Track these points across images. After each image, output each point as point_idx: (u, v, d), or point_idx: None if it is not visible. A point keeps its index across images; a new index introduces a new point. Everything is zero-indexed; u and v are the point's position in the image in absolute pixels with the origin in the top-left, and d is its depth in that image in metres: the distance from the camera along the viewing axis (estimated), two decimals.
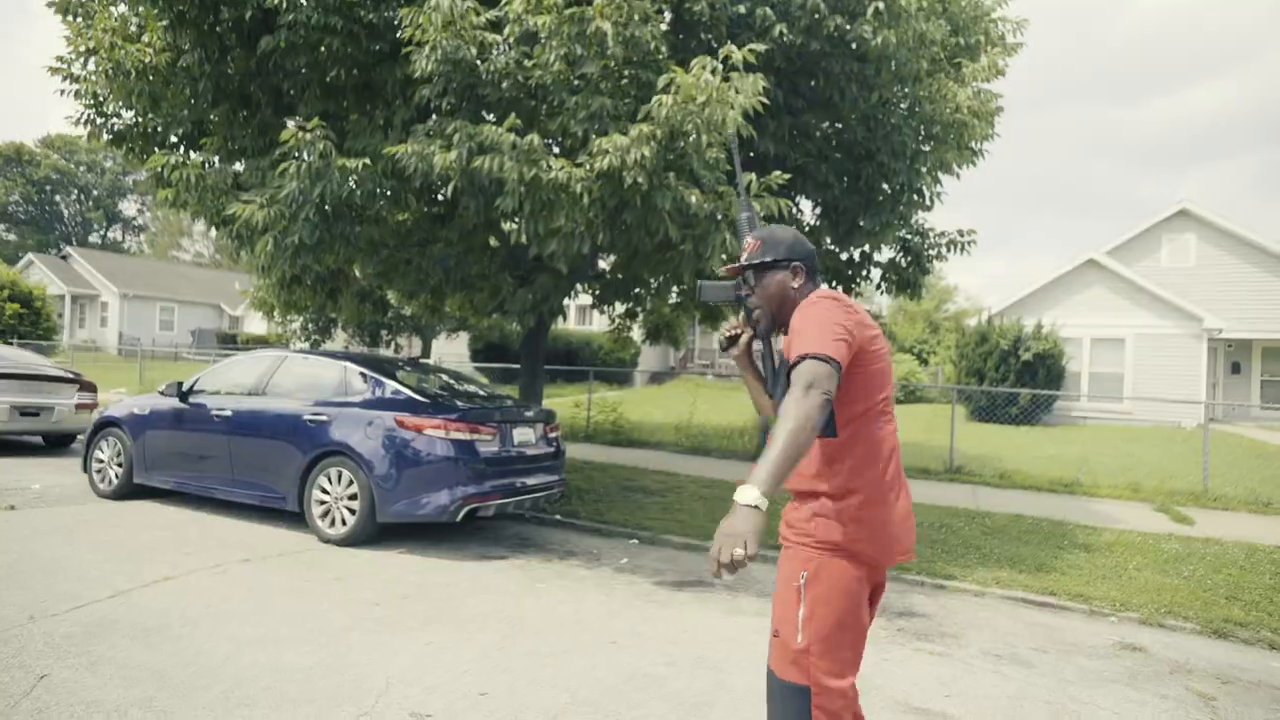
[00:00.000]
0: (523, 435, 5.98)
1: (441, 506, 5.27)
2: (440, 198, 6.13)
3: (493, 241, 7.62)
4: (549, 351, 8.80)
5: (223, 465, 6.06)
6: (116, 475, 6.60)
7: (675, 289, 7.86)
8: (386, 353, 21.14)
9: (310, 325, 19.77)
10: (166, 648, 3.33)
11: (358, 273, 7.79)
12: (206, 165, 5.82)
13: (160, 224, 57.70)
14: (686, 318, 9.75)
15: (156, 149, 6.16)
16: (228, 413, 6.09)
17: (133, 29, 5.84)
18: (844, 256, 7.52)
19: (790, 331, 1.88)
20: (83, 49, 5.71)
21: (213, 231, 6.13)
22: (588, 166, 4.50)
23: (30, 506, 6.07)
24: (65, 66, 6.14)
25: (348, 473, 5.46)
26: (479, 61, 4.78)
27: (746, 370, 2.16)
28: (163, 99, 5.77)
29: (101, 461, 6.74)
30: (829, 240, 7.24)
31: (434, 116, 4.97)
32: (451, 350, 24.27)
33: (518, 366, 8.64)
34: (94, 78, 5.94)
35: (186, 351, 28.56)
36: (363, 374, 5.92)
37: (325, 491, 5.53)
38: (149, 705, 2.79)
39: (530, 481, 5.89)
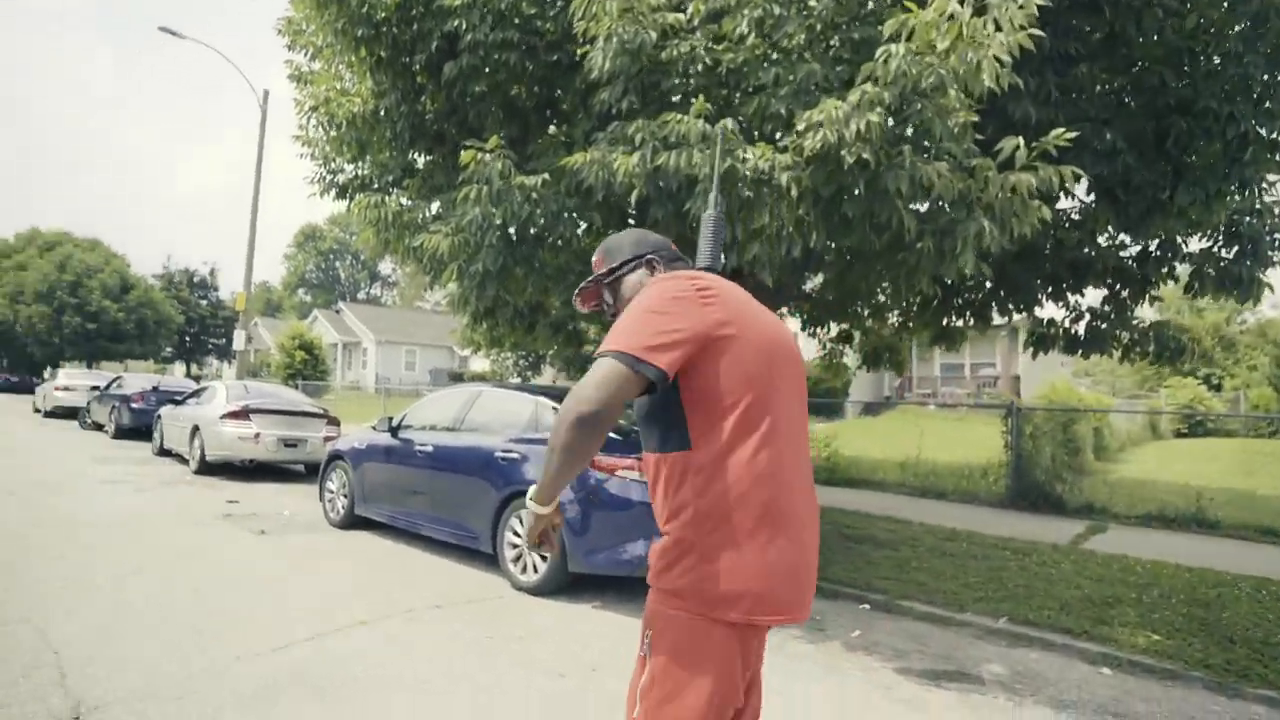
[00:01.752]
0: None
1: (639, 559, 4.63)
2: (628, 213, 5.66)
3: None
4: None
5: (424, 501, 6.02)
6: (343, 505, 6.91)
7: (908, 300, 6.59)
8: None
9: (521, 360, 20.86)
10: (344, 711, 2.99)
11: (555, 303, 7.63)
12: (404, 203, 5.92)
13: (408, 278, 66.41)
14: (910, 339, 8.39)
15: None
16: (429, 448, 6.07)
17: (346, 83, 6.17)
18: (1133, 250, 5.81)
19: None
20: (308, 108, 6.11)
21: (406, 268, 6.20)
22: (795, 150, 3.67)
23: (276, 533, 6.49)
24: (303, 133, 6.71)
25: None
26: (660, 50, 4.19)
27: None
28: (369, 145, 6.00)
29: (331, 492, 7.13)
30: (1109, 229, 5.62)
31: (615, 122, 4.48)
32: None
33: None
34: (318, 134, 6.36)
35: (423, 389, 31.98)
36: (555, 408, 5.54)
37: (517, 535, 5.18)
38: None
39: None
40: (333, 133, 5.94)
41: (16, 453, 11.71)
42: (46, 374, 26.29)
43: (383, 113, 5.70)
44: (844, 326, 7.80)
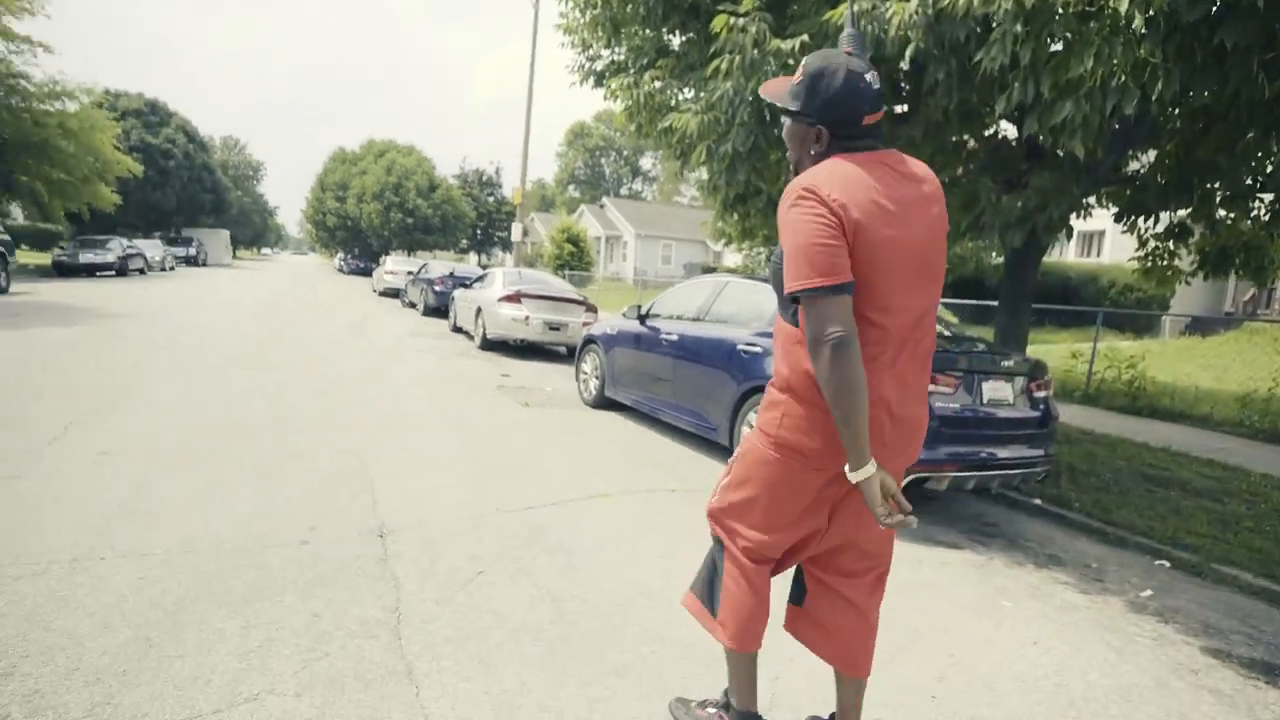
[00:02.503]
0: (996, 391, 4.49)
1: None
2: (900, 84, 4.87)
3: (969, 141, 5.96)
4: (1038, 288, 6.68)
5: (667, 388, 6.17)
6: (594, 387, 7.42)
7: None
8: None
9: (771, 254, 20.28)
10: (574, 574, 3.22)
11: None
12: (657, 85, 5.73)
13: (665, 172, 67.74)
14: None
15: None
16: (674, 337, 6.14)
17: None
18: None
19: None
20: None
21: (664, 162, 6.08)
22: None
23: (538, 406, 7.20)
24: (563, 19, 6.78)
25: None
26: None
27: None
28: (622, 25, 5.83)
29: (585, 373, 7.68)
30: None
31: None
32: None
33: (996, 304, 6.84)
34: (576, 19, 6.36)
35: (677, 282, 33.00)
36: None
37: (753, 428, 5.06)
38: (538, 635, 2.61)
39: (1003, 454, 4.41)
40: (589, 15, 5.88)
41: (357, 325, 14.48)
42: (380, 261, 31.98)
43: None
44: (1180, 217, 6.12)
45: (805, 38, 4.02)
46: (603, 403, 7.32)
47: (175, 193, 39.00)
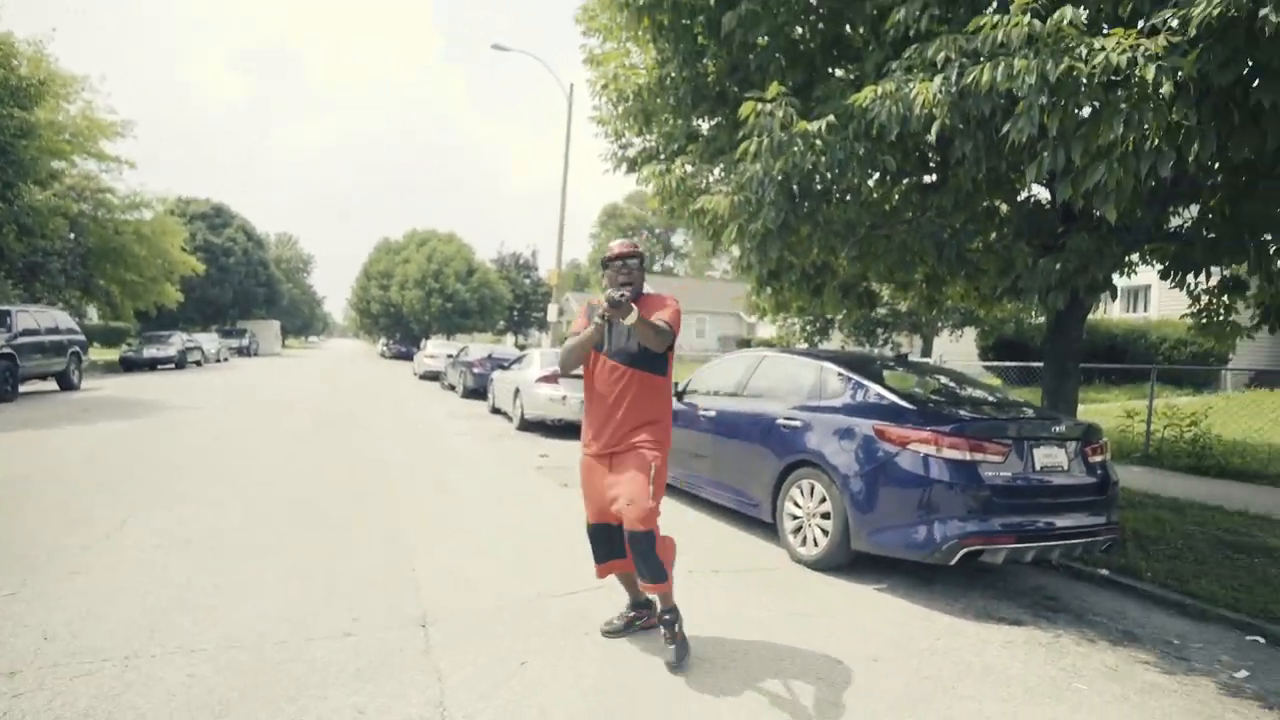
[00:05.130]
0: (1049, 457, 4.32)
1: (929, 543, 4.09)
2: (927, 156, 4.96)
3: (1001, 207, 5.98)
4: (1083, 347, 6.48)
5: (707, 465, 6.09)
6: None
7: None
8: (885, 354, 20.22)
9: (808, 326, 20.24)
10: (618, 666, 3.11)
11: (843, 264, 7.10)
12: (687, 170, 5.93)
13: (696, 248, 69.08)
14: None
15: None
16: (712, 413, 6.10)
17: (633, 58, 6.36)
18: None
19: (657, 308, 3.22)
20: (599, 87, 6.45)
21: (694, 238, 6.23)
22: (1169, 30, 2.75)
23: (577, 486, 7.14)
24: (596, 112, 7.15)
25: (820, 487, 4.75)
26: None
27: (598, 332, 3.16)
28: (654, 115, 6.11)
29: None
30: None
31: (913, 46, 3.87)
32: (958, 350, 21.86)
33: (1039, 366, 6.66)
34: (609, 112, 6.70)
35: (712, 356, 33.07)
36: (841, 374, 5.15)
37: (797, 505, 4.94)
38: None
39: (1062, 523, 4.20)
40: (620, 108, 6.18)
41: (399, 408, 14.76)
42: (420, 345, 32.86)
43: (666, 81, 5.76)
44: (1234, 271, 5.96)
45: (831, 118, 4.15)
46: None
47: (233, 287, 41.16)
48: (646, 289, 3.35)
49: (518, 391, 11.84)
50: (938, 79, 3.49)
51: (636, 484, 3.05)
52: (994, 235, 5.94)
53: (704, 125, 6.61)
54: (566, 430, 11.73)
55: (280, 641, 3.08)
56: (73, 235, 20.47)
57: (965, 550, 4.00)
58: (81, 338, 16.08)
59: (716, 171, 6.21)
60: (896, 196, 6.16)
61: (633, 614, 3.50)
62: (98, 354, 27.14)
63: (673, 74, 5.76)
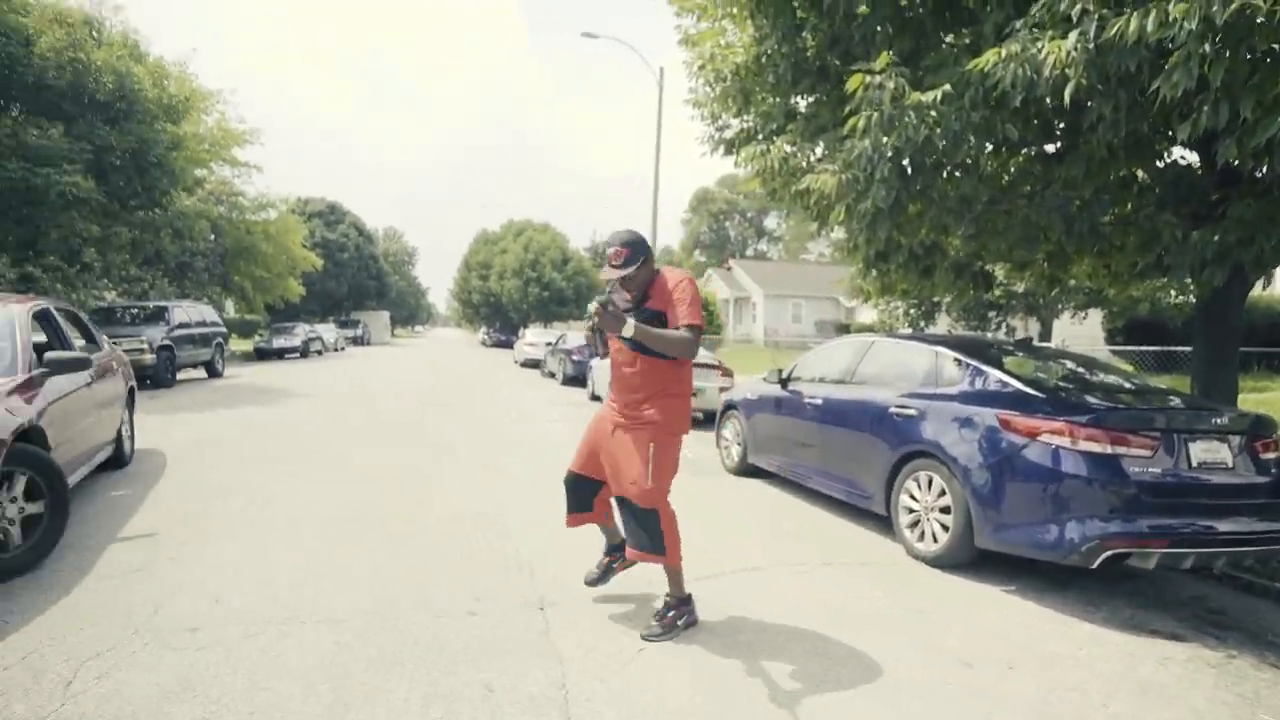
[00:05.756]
0: (1209, 452, 3.92)
1: (1065, 543, 3.81)
2: (1052, 122, 4.57)
3: (1139, 174, 5.45)
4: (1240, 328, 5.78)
5: (814, 455, 5.94)
6: (736, 453, 7.30)
7: None
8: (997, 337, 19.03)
9: (913, 310, 19.34)
10: (734, 654, 3.10)
11: (955, 243, 6.72)
12: (787, 149, 5.77)
13: (791, 231, 67.46)
14: None
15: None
16: (819, 401, 5.94)
17: (729, 36, 6.24)
18: None
19: (666, 296, 3.09)
20: (696, 68, 6.37)
21: (791, 221, 6.07)
22: None
23: (679, 472, 7.16)
24: (692, 94, 7.08)
25: (939, 480, 4.53)
26: None
27: (594, 339, 3.27)
28: (752, 94, 5.98)
29: (726, 440, 7.59)
30: None
31: (1039, 2, 3.56)
32: (1079, 334, 20.26)
33: (1182, 350, 6.04)
34: (705, 93, 6.60)
35: (810, 341, 32.25)
36: (958, 360, 4.89)
37: (914, 498, 4.74)
38: None
39: (1225, 527, 3.79)
40: (718, 88, 6.08)
41: (500, 395, 15.31)
42: (519, 333, 33.96)
43: (764, 58, 5.62)
44: None
45: (947, 87, 3.91)
46: (745, 469, 7.17)
47: (347, 280, 43.92)
48: (658, 268, 3.19)
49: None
50: (1072, 35, 3.20)
51: (634, 465, 3.09)
52: (1130, 206, 5.43)
53: (803, 103, 6.40)
54: None
55: (412, 618, 3.26)
56: (213, 236, 22.50)
57: (1109, 553, 3.69)
58: (223, 330, 17.66)
59: (818, 150, 6.00)
60: (1014, 169, 5.76)
61: (608, 559, 3.59)
62: (234, 344, 29.75)
63: (770, 50, 5.60)
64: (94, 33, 13.92)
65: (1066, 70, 3.32)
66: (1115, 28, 3.04)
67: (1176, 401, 4.51)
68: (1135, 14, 2.94)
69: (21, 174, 12.10)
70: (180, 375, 15.06)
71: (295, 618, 3.20)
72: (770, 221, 71.81)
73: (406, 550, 4.25)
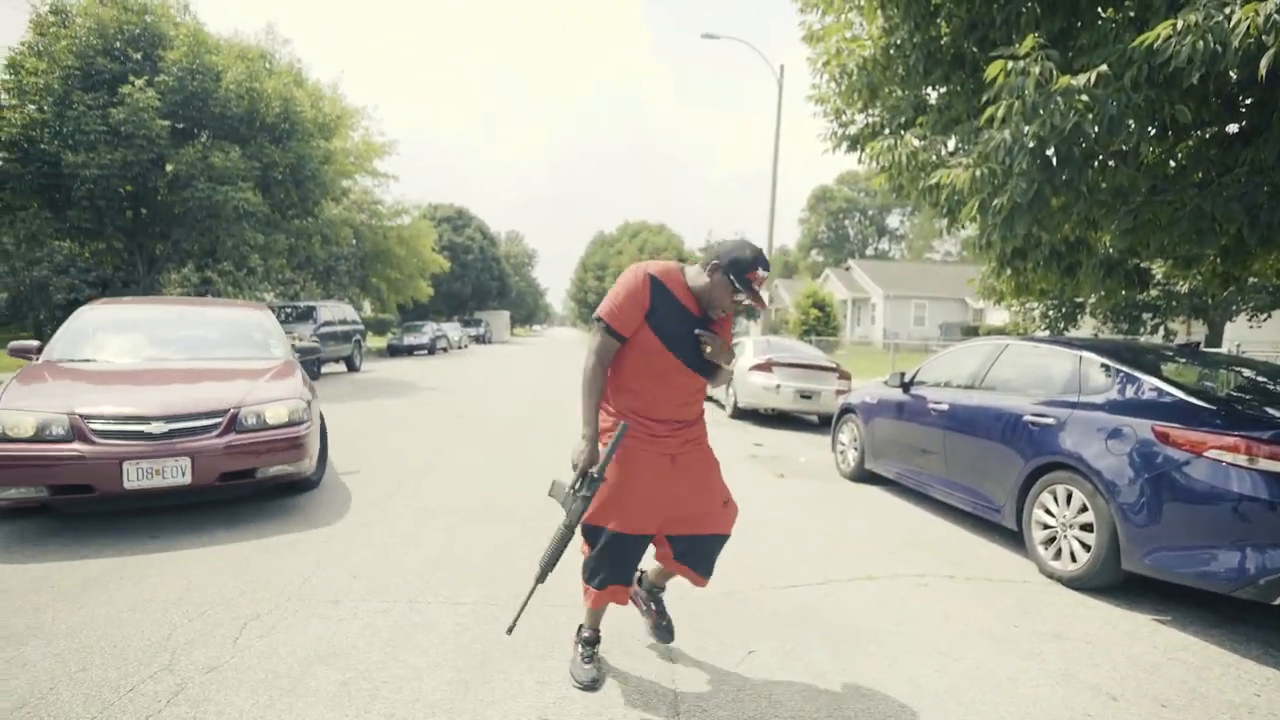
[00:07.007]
0: None
1: (1235, 573, 3.38)
2: (1236, 100, 4.06)
3: None
4: None
5: (938, 463, 5.63)
6: (853, 458, 7.04)
7: None
8: (1153, 341, 17.17)
9: (1051, 312, 17.83)
10: (851, 664, 2.99)
11: (1105, 239, 6.14)
12: (917, 143, 5.49)
13: (915, 229, 64.21)
14: None
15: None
16: (944, 406, 5.62)
17: (856, 29, 6.02)
18: None
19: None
20: (820, 64, 6.20)
21: (915, 218, 5.77)
22: None
23: (793, 477, 7.04)
24: (815, 90, 6.90)
25: (1080, 494, 4.16)
26: None
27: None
28: (879, 89, 5.74)
29: (843, 444, 7.34)
30: None
31: None
32: (1258, 339, 17.90)
33: None
34: (829, 89, 6.42)
35: (932, 344, 30.52)
36: (1105, 365, 4.47)
37: (1049, 513, 4.38)
38: None
39: None
40: (844, 84, 5.89)
41: None
42: None
43: (893, 49, 5.38)
44: None
45: (1103, 68, 3.57)
46: (862, 475, 6.91)
47: (471, 281, 46.40)
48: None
49: (730, 379, 11.91)
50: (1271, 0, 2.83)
51: (722, 483, 2.73)
52: None
53: (934, 94, 6.07)
54: (779, 420, 11.58)
55: (529, 606, 3.39)
56: (355, 241, 24.50)
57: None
58: (361, 327, 19.16)
59: (950, 143, 5.68)
60: (1182, 155, 5.18)
61: (653, 606, 3.08)
62: (369, 341, 32.19)
63: (901, 40, 5.36)
64: (267, 64, 15.59)
65: (1264, 38, 2.94)
66: None
67: None
68: None
69: (207, 192, 13.80)
70: (326, 369, 16.50)
71: (420, 599, 3.43)
72: (893, 220, 68.77)
73: (522, 539, 4.43)
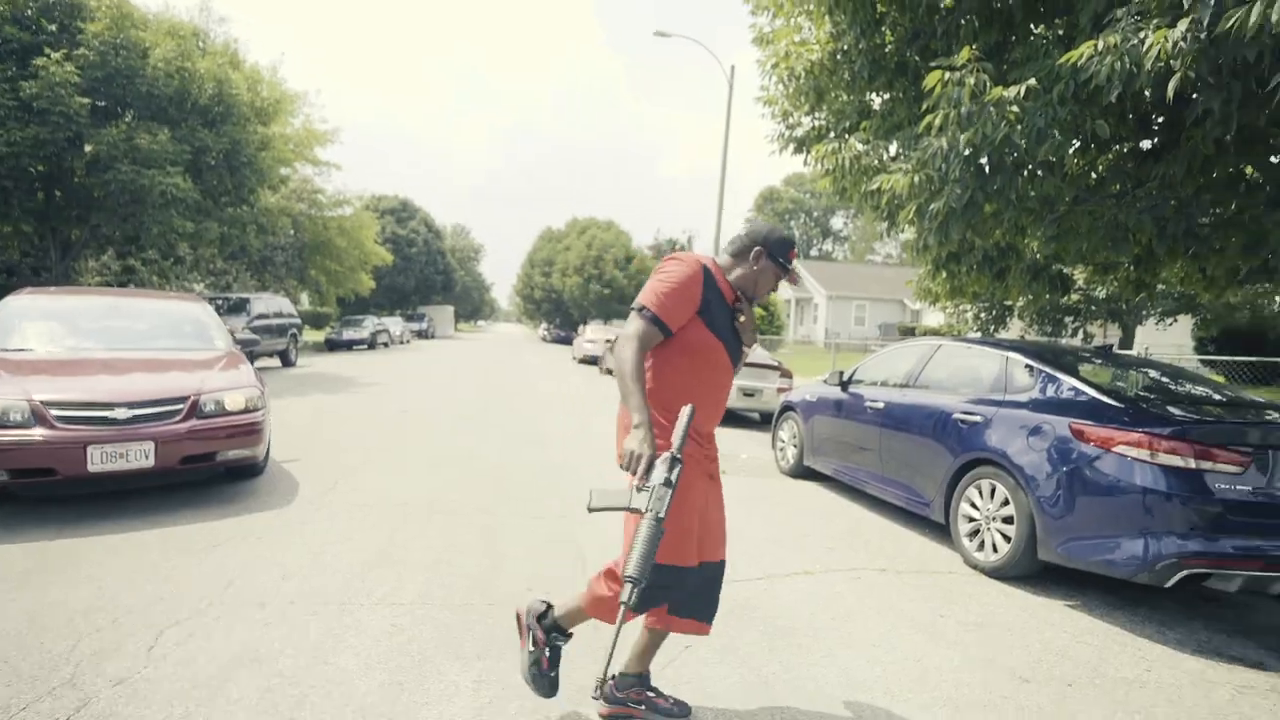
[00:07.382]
0: None
1: (1136, 560, 3.61)
2: (1149, 118, 4.32)
3: (1247, 171, 5.10)
4: None
5: (873, 459, 5.80)
6: (793, 455, 7.19)
7: None
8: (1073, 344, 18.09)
9: (983, 314, 18.60)
10: (782, 657, 3.06)
11: (1033, 245, 6.43)
12: (860, 147, 5.64)
13: (858, 231, 65.99)
14: None
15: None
16: (880, 404, 5.80)
17: (804, 34, 6.15)
18: None
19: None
20: (769, 66, 6.30)
21: (858, 221, 5.94)
22: None
23: (733, 473, 7.13)
24: (764, 92, 7.00)
25: (1002, 488, 4.36)
26: None
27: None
28: (826, 92, 5.87)
29: (782, 441, 7.48)
30: None
31: None
32: (1164, 342, 19.08)
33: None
34: (777, 91, 6.53)
35: (872, 344, 31.43)
36: (1029, 366, 4.69)
37: (974, 506, 4.58)
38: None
39: None
40: (792, 87, 6.00)
41: (560, 392, 15.51)
42: (579, 330, 34.34)
43: (840, 55, 5.51)
44: None
45: (1032, 82, 3.74)
46: (801, 472, 7.06)
47: (414, 275, 45.39)
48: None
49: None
50: (1182, 24, 3.01)
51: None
52: (1235, 206, 5.08)
53: (878, 100, 6.25)
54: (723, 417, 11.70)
55: (466, 603, 3.35)
56: (293, 231, 23.62)
57: (1185, 572, 3.48)
58: (298, 321, 18.52)
59: (892, 149, 5.86)
60: (1102, 167, 5.47)
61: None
62: (307, 336, 31.13)
63: (847, 46, 5.50)
64: (200, 43, 14.84)
65: (1172, 62, 3.13)
66: (1234, 17, 2.84)
67: (1276, 416, 4.20)
68: (1259, 2, 2.73)
69: (130, 175, 13.04)
70: (258, 364, 15.88)
71: (354, 600, 3.33)
72: (837, 221, 70.47)
73: (463, 537, 4.36)
